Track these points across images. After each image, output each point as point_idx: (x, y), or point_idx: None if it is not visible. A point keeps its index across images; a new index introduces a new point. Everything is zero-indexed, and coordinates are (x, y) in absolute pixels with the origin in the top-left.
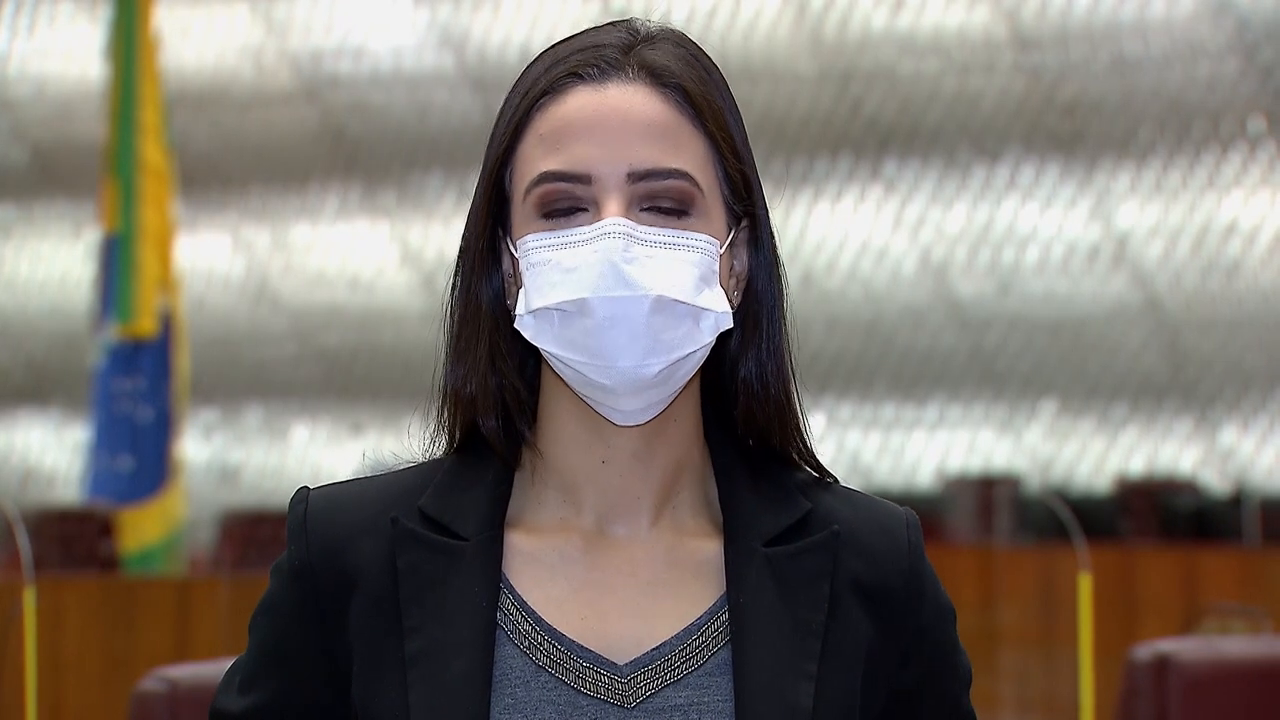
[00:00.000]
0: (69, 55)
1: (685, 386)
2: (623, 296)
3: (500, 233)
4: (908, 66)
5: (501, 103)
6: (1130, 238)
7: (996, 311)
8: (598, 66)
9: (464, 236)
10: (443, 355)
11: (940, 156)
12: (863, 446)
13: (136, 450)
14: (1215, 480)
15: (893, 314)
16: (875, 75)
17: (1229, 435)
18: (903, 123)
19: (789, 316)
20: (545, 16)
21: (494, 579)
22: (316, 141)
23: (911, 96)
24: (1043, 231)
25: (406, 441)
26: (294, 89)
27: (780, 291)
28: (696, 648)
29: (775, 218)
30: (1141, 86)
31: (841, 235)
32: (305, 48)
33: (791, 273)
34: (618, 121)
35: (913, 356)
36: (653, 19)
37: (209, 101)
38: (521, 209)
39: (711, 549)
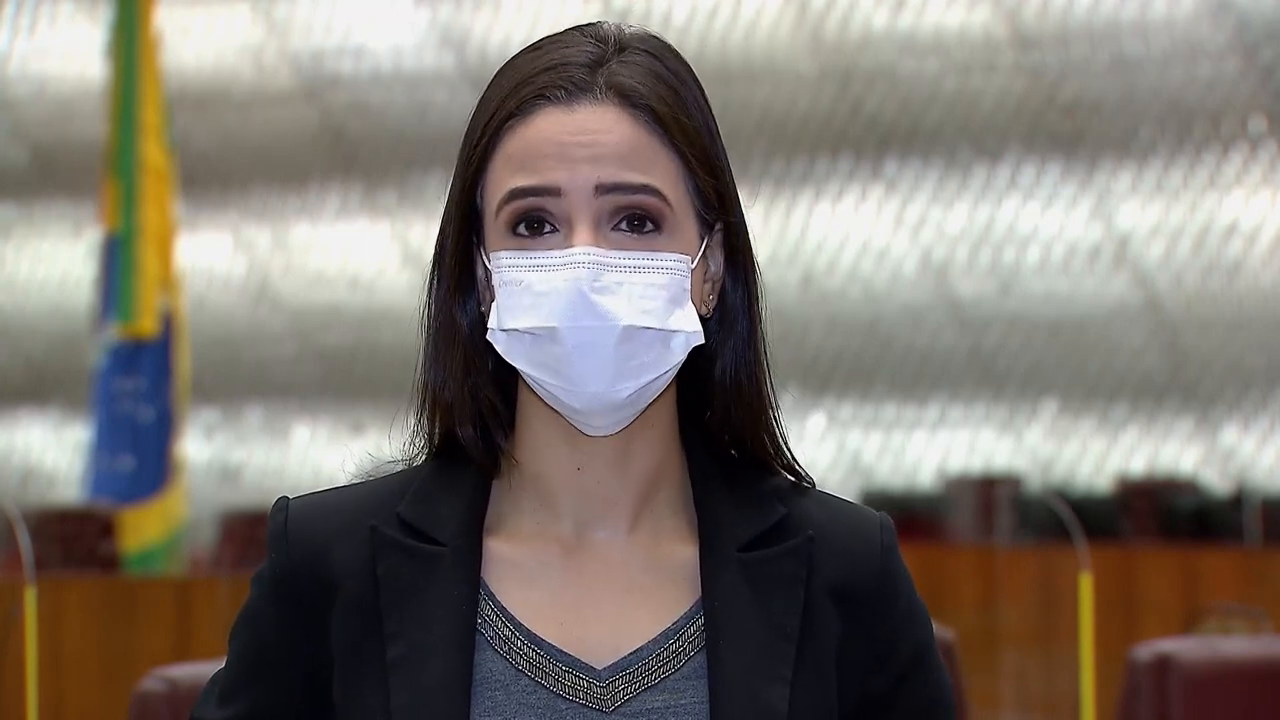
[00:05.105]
0: (69, 55)
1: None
2: (592, 326)
3: (475, 241)
4: (908, 66)
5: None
6: (1131, 238)
7: (997, 311)
8: (565, 88)
9: (437, 247)
10: (420, 359)
11: (940, 156)
12: (863, 446)
13: (137, 450)
14: (1216, 480)
15: (893, 314)
16: (875, 75)
17: (1229, 435)
18: (903, 123)
19: (767, 319)
20: (545, 16)
21: (473, 584)
22: (316, 141)
23: (911, 96)
24: (1043, 231)
25: (390, 445)
26: (294, 89)
27: (756, 296)
28: (673, 652)
29: (775, 218)
30: (1142, 86)
31: (842, 235)
32: (305, 47)
33: (791, 273)
34: (586, 142)
35: (913, 356)
36: (651, 19)
37: (209, 101)
38: (493, 224)
39: (688, 554)
